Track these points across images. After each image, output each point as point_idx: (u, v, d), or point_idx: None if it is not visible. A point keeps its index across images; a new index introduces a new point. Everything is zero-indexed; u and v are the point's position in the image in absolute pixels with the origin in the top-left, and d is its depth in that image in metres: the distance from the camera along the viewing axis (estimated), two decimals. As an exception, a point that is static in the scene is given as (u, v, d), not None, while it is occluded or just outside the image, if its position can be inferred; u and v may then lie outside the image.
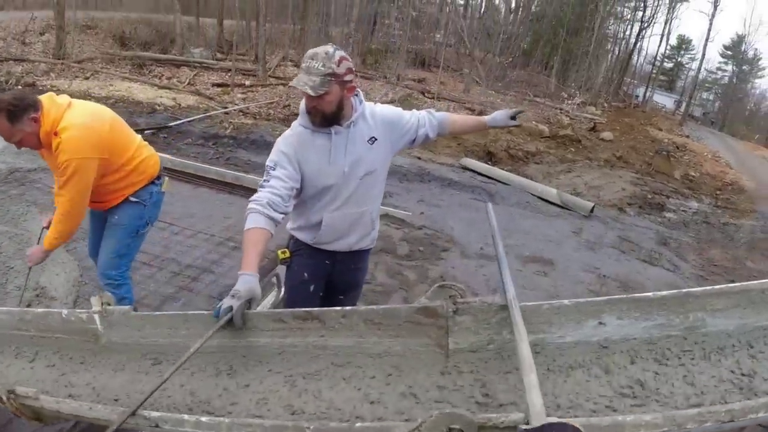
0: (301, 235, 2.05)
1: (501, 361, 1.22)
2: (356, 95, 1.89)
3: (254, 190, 1.81)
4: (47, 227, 2.38)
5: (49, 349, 1.73)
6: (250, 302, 1.46)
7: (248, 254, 1.62)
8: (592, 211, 7.20)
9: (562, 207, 7.35)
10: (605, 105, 23.44)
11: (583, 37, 25.69)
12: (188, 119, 9.17)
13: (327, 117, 1.81)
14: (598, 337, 1.17)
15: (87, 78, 12.03)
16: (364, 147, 1.92)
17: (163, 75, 13.64)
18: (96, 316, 1.63)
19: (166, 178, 2.58)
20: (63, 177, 2.13)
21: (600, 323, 1.17)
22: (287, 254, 2.10)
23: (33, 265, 2.43)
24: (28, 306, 2.78)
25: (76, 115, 2.16)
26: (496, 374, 1.20)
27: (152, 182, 2.49)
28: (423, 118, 2.07)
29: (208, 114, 10.01)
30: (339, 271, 2.12)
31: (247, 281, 1.51)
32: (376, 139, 1.94)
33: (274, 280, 2.81)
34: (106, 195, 2.38)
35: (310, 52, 1.73)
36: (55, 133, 2.10)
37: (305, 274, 2.08)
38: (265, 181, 1.81)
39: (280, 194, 1.76)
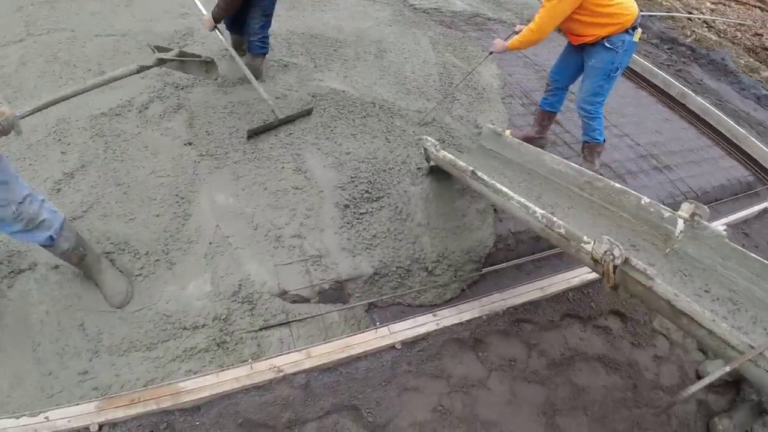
0: None
1: None
2: None
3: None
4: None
5: (611, 221, 1.86)
6: None
7: None
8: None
9: None
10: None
11: None
12: (648, 13, 8.25)
13: None
14: None
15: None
16: None
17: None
18: (680, 221, 1.64)
19: (639, 30, 2.84)
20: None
21: None
22: None
23: (496, 52, 3.08)
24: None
25: None
26: None
27: (626, 31, 2.81)
28: None
29: (670, 14, 8.83)
30: None
31: None
32: None
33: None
34: (580, 29, 2.88)
35: None
36: None
37: None
38: None
39: None
